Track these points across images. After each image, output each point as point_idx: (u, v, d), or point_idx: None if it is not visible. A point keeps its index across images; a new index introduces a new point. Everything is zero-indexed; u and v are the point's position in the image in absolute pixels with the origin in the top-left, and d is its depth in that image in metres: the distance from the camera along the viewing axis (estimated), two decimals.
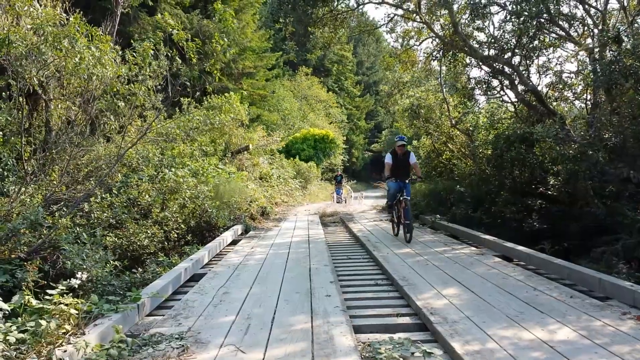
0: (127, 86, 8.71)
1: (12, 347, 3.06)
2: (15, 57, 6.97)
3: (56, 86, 8.57)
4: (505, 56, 10.35)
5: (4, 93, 7.98)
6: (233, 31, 20.54)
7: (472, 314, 4.07)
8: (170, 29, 7.20)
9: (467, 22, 12.08)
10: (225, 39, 7.74)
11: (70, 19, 7.49)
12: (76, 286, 3.88)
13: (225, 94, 16.09)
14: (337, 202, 22.18)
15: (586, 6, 9.94)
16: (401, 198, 8.44)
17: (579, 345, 3.33)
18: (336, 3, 13.24)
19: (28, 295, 3.56)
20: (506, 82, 11.13)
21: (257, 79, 26.47)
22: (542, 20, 9.48)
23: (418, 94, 15.08)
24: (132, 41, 8.53)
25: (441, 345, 3.59)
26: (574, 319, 3.86)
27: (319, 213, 15.74)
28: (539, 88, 10.46)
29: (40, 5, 7.64)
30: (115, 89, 8.21)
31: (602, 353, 3.17)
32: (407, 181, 8.61)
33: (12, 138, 7.61)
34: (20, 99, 7.72)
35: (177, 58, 7.85)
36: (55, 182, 8.10)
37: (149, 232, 8.24)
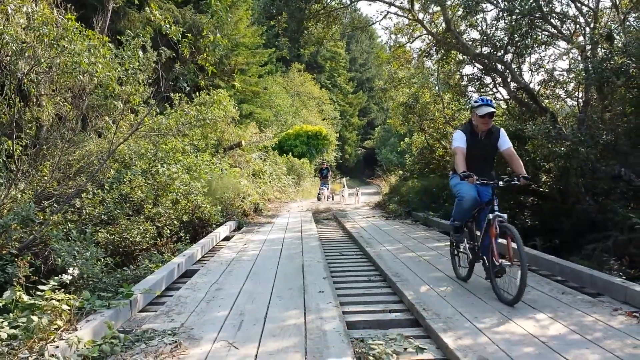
0: (118, 82, 8.64)
1: (3, 342, 3.03)
2: (10, 53, 6.89)
3: (46, 81, 8.49)
4: (498, 54, 10.37)
5: None
6: (226, 26, 20.45)
7: (465, 310, 4.09)
8: (161, 23, 7.12)
9: (459, 18, 12.09)
10: (217, 34, 7.66)
11: (60, 15, 7.39)
12: (68, 282, 3.85)
13: (215, 90, 16.02)
14: (324, 199, 19.32)
15: (578, 4, 9.97)
16: (490, 216, 4.49)
17: (570, 340, 3.36)
18: None
19: (19, 290, 3.53)
20: (499, 80, 11.15)
21: (249, 75, 26.40)
22: (535, 18, 9.51)
23: (413, 89, 15.09)
24: (118, 37, 8.46)
25: (434, 341, 3.60)
26: (565, 315, 3.90)
27: (312, 209, 15.75)
28: (531, 86, 10.49)
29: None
30: (110, 88, 8.14)
31: (593, 348, 3.20)
32: (499, 183, 4.58)
33: (4, 137, 7.54)
34: (13, 96, 7.64)
35: (165, 50, 7.79)
36: (46, 178, 8.04)
37: (141, 228, 8.20)
